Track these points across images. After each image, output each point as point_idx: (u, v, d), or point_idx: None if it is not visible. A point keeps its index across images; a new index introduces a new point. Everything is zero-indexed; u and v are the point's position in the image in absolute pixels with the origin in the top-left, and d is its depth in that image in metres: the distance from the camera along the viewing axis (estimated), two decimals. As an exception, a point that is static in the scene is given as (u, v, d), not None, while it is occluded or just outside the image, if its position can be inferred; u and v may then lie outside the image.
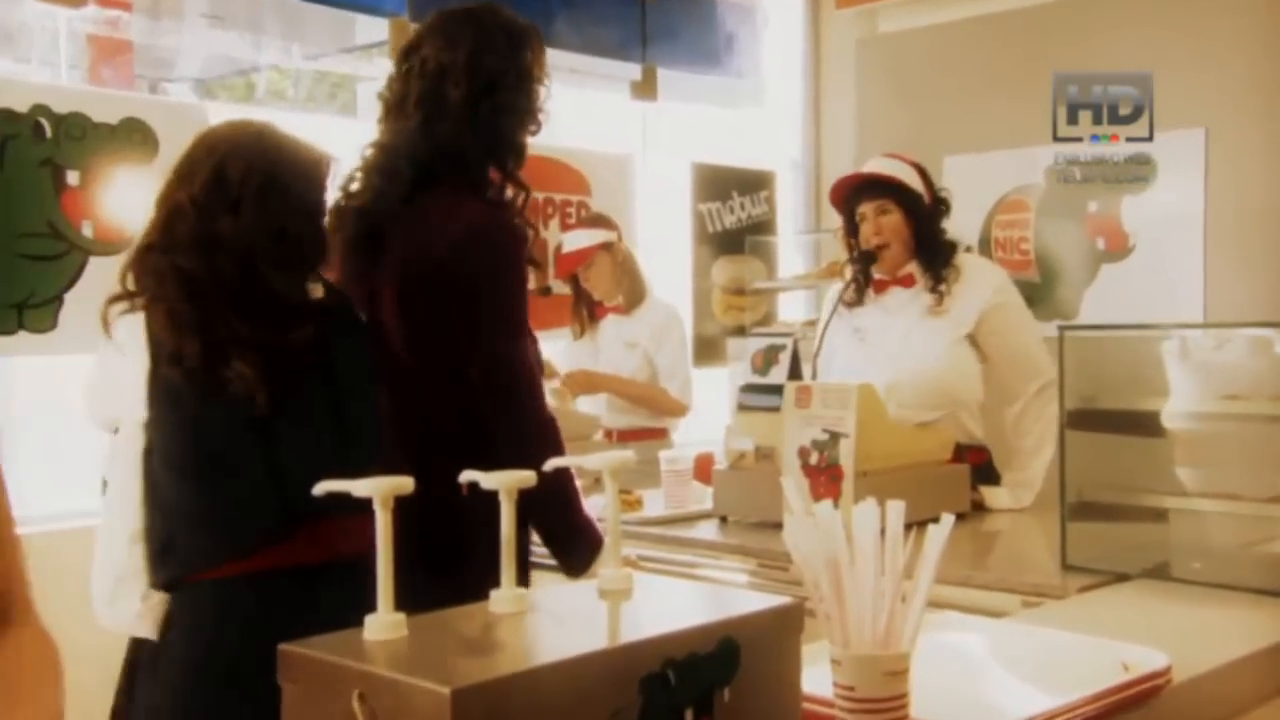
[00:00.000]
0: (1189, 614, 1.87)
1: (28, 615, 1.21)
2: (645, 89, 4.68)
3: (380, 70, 4.55)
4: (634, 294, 3.89)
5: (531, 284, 2.16)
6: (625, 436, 3.77)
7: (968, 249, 2.98)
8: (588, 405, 3.81)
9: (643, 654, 1.04)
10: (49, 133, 3.14)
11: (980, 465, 2.81)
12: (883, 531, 1.25)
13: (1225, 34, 4.04)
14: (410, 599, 1.14)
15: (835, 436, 2.36)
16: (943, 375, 2.77)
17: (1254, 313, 3.73)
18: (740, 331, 5.02)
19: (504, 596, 1.17)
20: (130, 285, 1.79)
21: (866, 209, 2.88)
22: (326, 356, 1.80)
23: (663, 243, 4.85)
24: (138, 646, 1.80)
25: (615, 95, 4.74)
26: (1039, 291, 4.51)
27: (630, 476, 2.79)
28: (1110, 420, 2.22)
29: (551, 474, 1.31)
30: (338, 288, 1.99)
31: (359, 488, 1.21)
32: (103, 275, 3.15)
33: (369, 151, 2.16)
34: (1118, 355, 2.28)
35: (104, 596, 1.75)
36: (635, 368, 3.84)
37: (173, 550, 1.71)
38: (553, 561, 2.14)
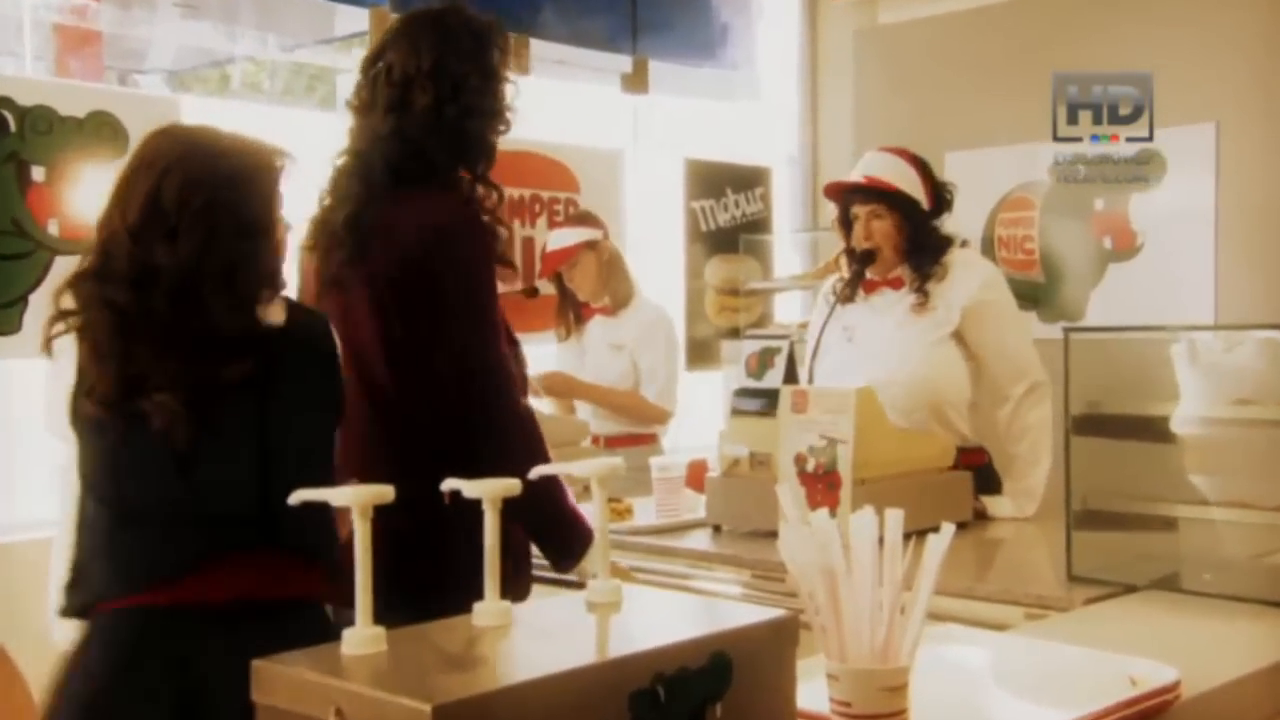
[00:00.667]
0: (1199, 627, 1.88)
1: None
2: (636, 82, 4.69)
3: (359, 61, 4.57)
4: (620, 294, 3.89)
5: (505, 286, 2.21)
6: (613, 443, 3.77)
7: (964, 244, 2.98)
8: (581, 410, 3.82)
9: (631, 669, 1.05)
10: (13, 127, 3.13)
11: (979, 467, 2.82)
12: (881, 541, 1.25)
13: (1236, 24, 4.06)
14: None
15: (832, 443, 2.37)
16: (926, 374, 2.79)
17: (1267, 314, 3.75)
18: (734, 334, 5.03)
19: (487, 609, 1.17)
20: (65, 306, 1.76)
21: (859, 211, 2.90)
22: (263, 389, 1.74)
23: (654, 242, 4.86)
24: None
25: (605, 88, 4.75)
26: (1044, 292, 4.53)
27: (620, 484, 2.79)
28: (1117, 425, 2.23)
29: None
30: (307, 307, 1.99)
31: (337, 496, 1.21)
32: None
33: (340, 160, 2.23)
34: (1125, 358, 2.28)
35: (53, 609, 1.76)
36: (621, 371, 3.83)
37: (84, 578, 1.71)
38: (555, 575, 2.18)
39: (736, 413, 2.71)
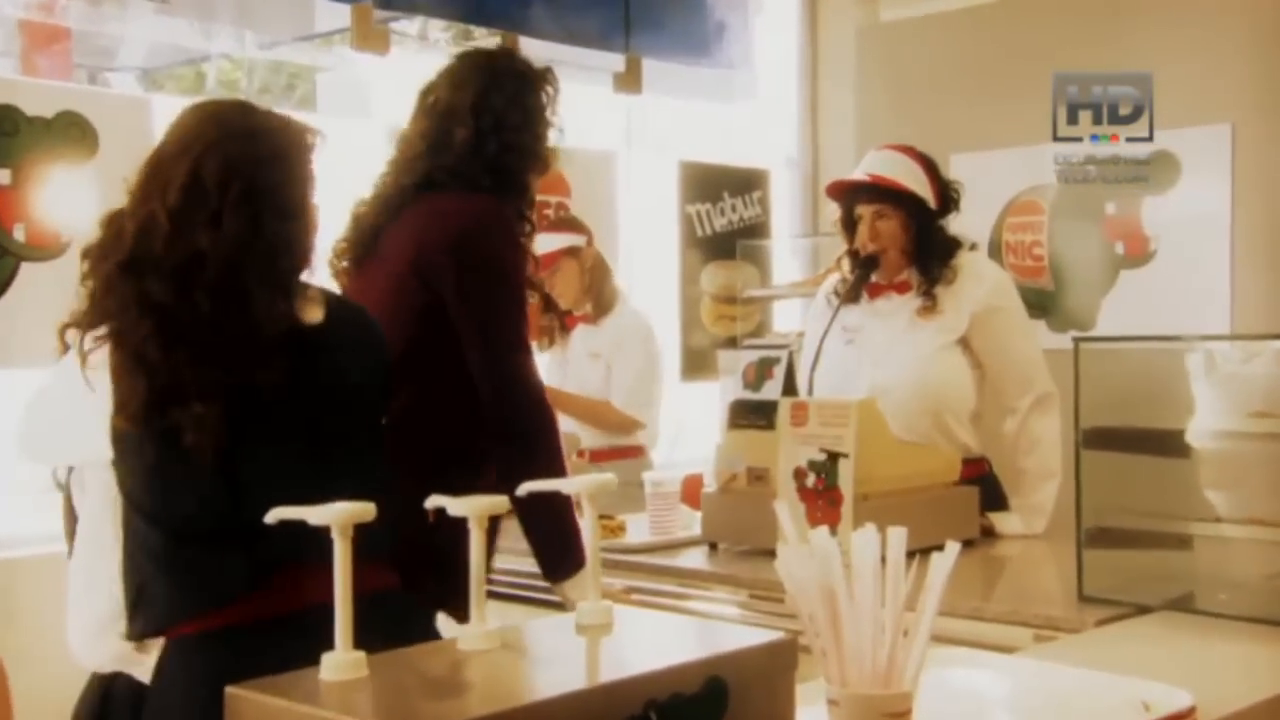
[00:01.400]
0: (1215, 649, 1.88)
1: None
2: (629, 81, 4.68)
3: (341, 60, 4.57)
4: (603, 302, 3.89)
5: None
6: (599, 456, 3.77)
7: (973, 247, 2.98)
8: (567, 423, 3.81)
9: (623, 695, 1.04)
10: (-22, 127, 3.13)
11: (980, 478, 2.81)
12: (884, 560, 1.25)
13: (1249, 24, 4.07)
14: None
15: (833, 457, 2.37)
16: (929, 380, 2.79)
17: (1285, 323, 3.76)
18: (731, 343, 5.03)
19: (473, 632, 1.16)
20: (92, 306, 1.74)
21: (864, 211, 2.89)
22: (304, 390, 1.75)
23: (648, 247, 4.86)
24: (108, 681, 1.80)
25: (596, 88, 4.74)
26: (1053, 300, 4.53)
27: (612, 499, 2.79)
28: (1130, 439, 2.23)
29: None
30: (346, 301, 2.00)
31: (314, 514, 1.20)
32: (36, 283, 3.13)
33: (382, 171, 2.40)
34: (1138, 369, 2.28)
35: (86, 632, 1.75)
36: (600, 380, 3.83)
37: (146, 601, 1.71)
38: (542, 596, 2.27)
39: (733, 425, 2.71)
